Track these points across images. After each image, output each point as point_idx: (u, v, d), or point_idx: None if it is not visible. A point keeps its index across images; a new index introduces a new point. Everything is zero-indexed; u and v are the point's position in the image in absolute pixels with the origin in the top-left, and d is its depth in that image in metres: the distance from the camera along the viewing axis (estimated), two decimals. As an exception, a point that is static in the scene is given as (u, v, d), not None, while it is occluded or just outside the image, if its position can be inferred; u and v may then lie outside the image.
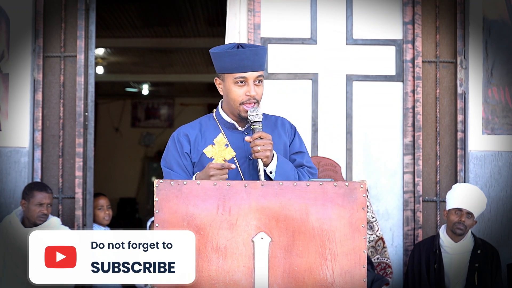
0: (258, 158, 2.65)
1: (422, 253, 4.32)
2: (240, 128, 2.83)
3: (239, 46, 2.73)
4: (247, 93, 2.72)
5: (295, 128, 2.94)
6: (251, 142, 2.67)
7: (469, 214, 4.21)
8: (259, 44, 4.78)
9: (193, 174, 2.77)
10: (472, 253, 4.23)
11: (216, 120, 2.84)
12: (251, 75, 2.71)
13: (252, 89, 2.72)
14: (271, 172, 2.68)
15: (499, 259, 4.27)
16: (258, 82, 2.73)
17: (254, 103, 2.73)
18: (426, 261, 4.28)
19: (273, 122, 2.89)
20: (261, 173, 2.64)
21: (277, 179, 2.65)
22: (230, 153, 2.61)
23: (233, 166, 2.62)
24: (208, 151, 2.61)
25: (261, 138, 2.65)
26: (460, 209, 4.22)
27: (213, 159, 2.60)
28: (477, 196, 4.25)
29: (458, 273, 4.23)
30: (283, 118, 2.96)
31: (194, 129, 2.85)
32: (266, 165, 2.67)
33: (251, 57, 2.69)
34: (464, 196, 4.23)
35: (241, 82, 2.72)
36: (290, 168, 2.74)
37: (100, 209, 5.05)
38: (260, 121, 2.70)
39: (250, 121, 2.72)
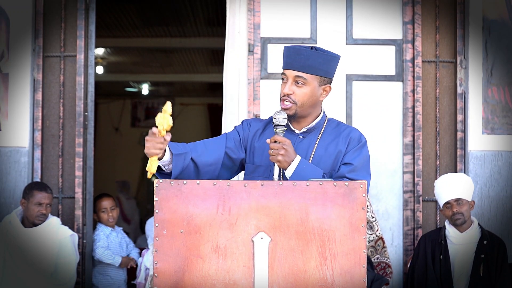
0: (272, 162, 2.66)
1: (428, 244, 4.24)
2: (296, 131, 2.82)
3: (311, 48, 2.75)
4: (283, 89, 2.73)
5: (362, 142, 2.88)
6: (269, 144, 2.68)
7: (458, 200, 4.13)
8: (259, 44, 4.78)
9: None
10: (478, 243, 4.15)
11: None
12: (289, 73, 2.73)
13: (287, 86, 2.72)
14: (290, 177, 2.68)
15: (505, 250, 4.17)
16: (298, 83, 2.72)
17: (291, 102, 2.72)
18: (432, 251, 4.22)
19: (340, 132, 2.87)
20: (275, 176, 2.65)
21: None
22: (168, 122, 2.52)
23: (168, 138, 2.54)
24: (157, 117, 2.55)
25: (278, 143, 2.64)
26: (447, 202, 4.16)
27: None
28: (455, 181, 4.18)
29: (463, 264, 4.15)
30: (356, 130, 2.92)
31: (260, 123, 2.89)
32: (284, 168, 2.67)
33: (293, 56, 2.71)
34: (444, 189, 4.17)
35: (283, 79, 2.76)
36: (314, 175, 2.66)
37: (104, 212, 5.02)
38: (282, 125, 2.69)
39: (273, 123, 2.72)
